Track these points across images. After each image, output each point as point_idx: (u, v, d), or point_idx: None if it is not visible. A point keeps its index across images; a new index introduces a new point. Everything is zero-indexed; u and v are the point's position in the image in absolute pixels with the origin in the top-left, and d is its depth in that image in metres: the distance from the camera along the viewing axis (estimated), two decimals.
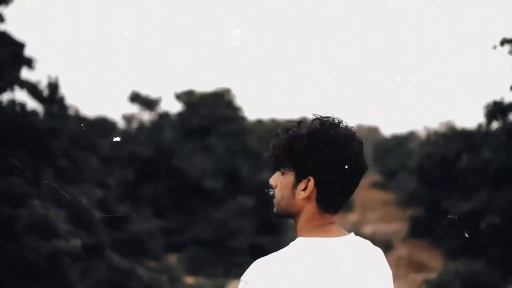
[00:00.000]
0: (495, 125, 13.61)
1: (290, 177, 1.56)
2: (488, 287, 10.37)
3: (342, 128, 1.57)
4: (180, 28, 39.87)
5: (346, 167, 1.55)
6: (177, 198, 18.88)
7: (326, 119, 1.60)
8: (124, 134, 19.67)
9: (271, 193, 1.61)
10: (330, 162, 1.53)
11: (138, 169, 17.85)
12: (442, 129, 20.89)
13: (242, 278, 1.47)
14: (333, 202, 1.59)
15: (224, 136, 20.67)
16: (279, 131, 1.59)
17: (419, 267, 15.81)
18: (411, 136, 30.58)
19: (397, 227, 19.95)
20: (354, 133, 1.59)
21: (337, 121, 1.58)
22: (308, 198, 1.55)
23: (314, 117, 1.61)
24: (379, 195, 24.67)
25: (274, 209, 1.62)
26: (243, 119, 22.61)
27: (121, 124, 20.93)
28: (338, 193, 1.58)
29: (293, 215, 1.59)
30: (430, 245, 16.69)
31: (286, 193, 1.56)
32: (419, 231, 18.31)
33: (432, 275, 13.89)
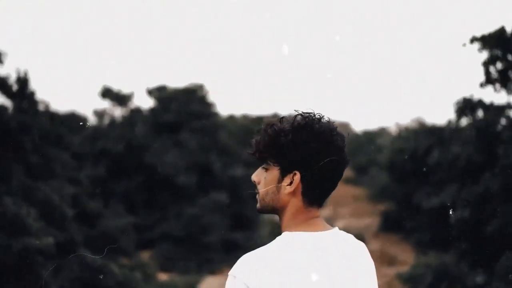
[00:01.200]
0: (464, 121, 13.92)
1: (274, 172, 1.57)
2: (458, 278, 10.61)
3: (325, 122, 1.59)
4: (152, 23, 39.48)
5: (331, 161, 1.57)
6: (149, 194, 18.73)
7: (308, 114, 1.62)
8: (95, 130, 19.39)
9: (256, 191, 1.61)
10: (315, 156, 1.55)
11: (109, 165, 17.64)
12: (412, 125, 21.24)
13: (230, 273, 1.47)
14: (318, 196, 1.61)
15: (196, 132, 20.58)
16: (262, 126, 1.59)
17: (391, 261, 16.07)
18: (382, 132, 30.98)
19: (368, 221, 20.22)
20: (336, 127, 1.61)
21: (318, 116, 1.60)
22: (293, 193, 1.56)
23: (296, 112, 1.63)
24: (351, 190, 24.93)
25: (258, 205, 1.62)
26: (215, 115, 22.55)
27: (92, 119, 20.63)
28: (323, 187, 1.60)
29: (278, 210, 1.60)
30: (401, 239, 16.98)
31: (270, 189, 1.57)
32: (390, 225, 18.60)
33: (404, 269, 14.13)
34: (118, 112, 20.59)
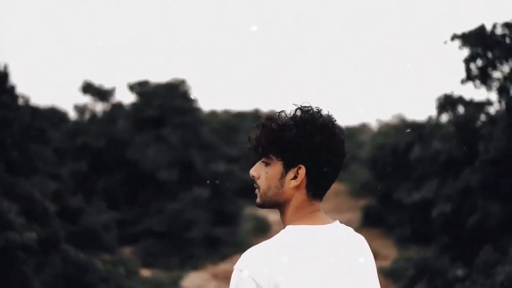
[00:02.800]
0: (444, 117, 14.11)
1: (277, 166, 1.57)
2: (438, 272, 10.76)
3: (326, 116, 1.61)
4: (134, 17, 39.14)
5: (334, 153, 1.59)
6: (131, 190, 18.61)
7: (308, 108, 1.63)
8: (76, 125, 19.19)
9: (255, 186, 1.61)
10: (320, 149, 1.57)
11: (91, 161, 17.48)
12: (393, 121, 21.45)
13: (236, 267, 1.48)
14: (322, 189, 1.63)
15: (178, 127, 20.50)
16: (262, 121, 1.60)
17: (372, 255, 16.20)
18: (363, 128, 31.19)
19: (350, 217, 20.37)
20: (335, 120, 1.63)
21: (317, 109, 1.62)
22: (297, 187, 1.58)
23: (295, 106, 1.64)
24: (332, 186, 25.06)
25: (258, 200, 1.62)
26: (197, 110, 22.48)
27: (72, 114, 20.41)
28: (326, 180, 1.62)
29: (280, 205, 1.61)
30: (382, 234, 17.15)
31: (273, 183, 1.58)
32: (371, 220, 18.77)
33: (386, 263, 14.29)
34: (99, 107, 20.40)
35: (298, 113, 1.61)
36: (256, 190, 1.63)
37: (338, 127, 1.61)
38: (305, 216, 1.60)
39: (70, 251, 9.95)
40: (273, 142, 1.56)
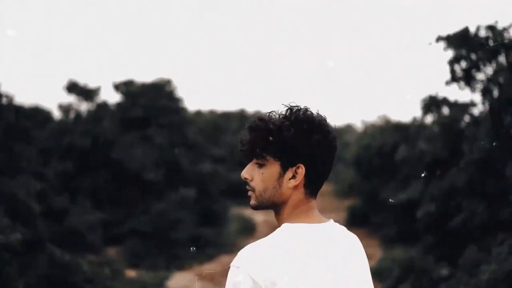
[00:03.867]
0: (429, 118, 14.25)
1: (274, 167, 1.59)
2: (424, 271, 10.85)
3: (318, 114, 1.64)
4: (119, 16, 38.89)
5: (330, 151, 1.62)
6: (117, 190, 18.51)
7: (299, 107, 1.65)
8: (60, 124, 19.02)
9: (248, 188, 1.61)
10: (318, 148, 1.59)
11: (76, 161, 17.35)
12: (378, 122, 21.59)
13: (233, 264, 1.49)
14: (318, 187, 1.66)
15: (164, 127, 20.43)
16: (255, 122, 1.60)
17: None
18: (348, 128, 31.35)
19: (335, 217, 20.42)
20: (326, 118, 1.67)
21: (305, 108, 1.64)
22: (296, 186, 1.59)
23: (285, 106, 1.65)
24: None
25: (253, 202, 1.63)
26: (183, 110, 22.44)
27: (56, 114, 20.22)
28: (323, 178, 1.65)
29: (278, 205, 1.62)
30: (368, 233, 17.25)
31: (270, 184, 1.59)
32: (357, 220, 18.86)
33: (371, 263, 14.37)
34: (84, 106, 20.25)
35: (291, 113, 1.62)
36: (250, 192, 1.64)
37: (330, 125, 1.65)
38: (302, 214, 1.62)
39: (55, 252, 9.86)
40: (271, 143, 1.57)
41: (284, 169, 1.56)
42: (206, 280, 15.68)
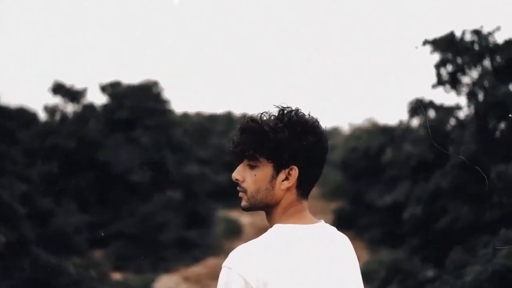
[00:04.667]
0: (415, 121, 14.38)
1: (267, 168, 1.58)
2: (409, 274, 10.92)
3: (310, 116, 1.64)
4: (106, 17, 38.68)
5: (323, 152, 1.62)
6: (102, 192, 18.39)
7: (291, 109, 1.65)
8: (46, 125, 18.86)
9: (239, 189, 1.60)
10: (311, 150, 1.59)
11: (61, 162, 17.20)
12: (365, 125, 21.72)
13: (224, 264, 1.48)
14: (310, 188, 1.66)
15: (150, 129, 20.35)
16: (248, 124, 1.58)
17: None
18: (335, 131, 31.49)
19: (322, 219, 20.51)
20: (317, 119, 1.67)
21: (297, 109, 1.64)
22: (288, 187, 1.59)
23: (277, 108, 1.64)
24: None
25: (245, 203, 1.62)
26: (170, 112, 22.36)
27: (42, 115, 20.04)
28: (315, 179, 1.64)
29: (270, 207, 1.61)
30: (354, 236, 17.31)
31: (263, 185, 1.58)
32: (343, 223, 18.91)
33: None
34: (70, 108, 20.10)
35: (283, 114, 1.62)
36: (241, 194, 1.62)
37: (322, 127, 1.64)
38: (293, 215, 1.62)
39: (40, 254, 9.77)
40: (264, 144, 1.56)
41: (277, 171, 1.55)
42: (192, 282, 15.63)
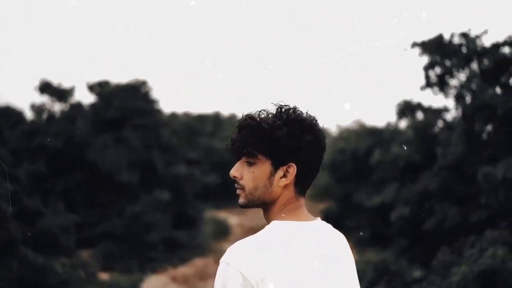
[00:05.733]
0: (403, 123, 14.50)
1: (265, 166, 1.59)
2: (397, 274, 11.01)
3: (308, 114, 1.66)
4: (95, 15, 38.44)
5: (320, 150, 1.64)
6: (90, 192, 18.28)
7: (288, 107, 1.67)
8: (32, 125, 18.69)
9: (237, 186, 1.61)
10: (309, 147, 1.61)
11: (49, 162, 17.08)
12: (353, 126, 21.81)
13: (222, 260, 1.49)
14: (307, 185, 1.68)
15: (139, 129, 20.27)
16: (246, 121, 1.60)
17: None
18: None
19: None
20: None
21: (294, 107, 1.66)
22: (286, 184, 1.60)
23: (275, 105, 1.66)
24: None
25: (243, 200, 1.63)
26: (158, 112, 22.28)
27: (28, 114, 19.85)
28: (313, 177, 1.67)
29: (267, 203, 1.63)
30: None
31: (261, 182, 1.59)
32: (331, 223, 19.00)
33: None
34: (57, 107, 19.95)
35: (281, 112, 1.63)
36: (238, 191, 1.63)
37: (319, 125, 1.66)
38: (291, 212, 1.63)
39: (28, 254, 9.69)
40: (263, 141, 1.57)
41: (276, 168, 1.56)
42: (180, 283, 15.60)
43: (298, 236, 1.58)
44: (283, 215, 1.63)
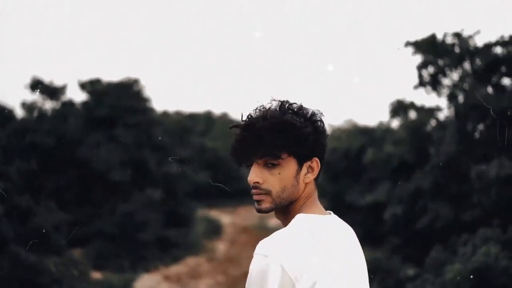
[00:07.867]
0: (395, 122, 14.55)
1: (291, 164, 1.56)
2: (390, 272, 11.05)
3: (310, 109, 1.67)
4: (86, 13, 38.25)
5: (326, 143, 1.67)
6: (82, 190, 18.19)
7: (286, 101, 1.66)
8: (23, 123, 18.57)
9: (253, 192, 1.55)
10: (325, 141, 1.64)
11: (40, 160, 16.97)
12: (345, 126, 21.85)
13: (259, 252, 1.45)
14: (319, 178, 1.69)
15: (131, 127, 20.19)
16: (265, 122, 1.55)
17: None
18: None
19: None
20: None
21: (300, 104, 1.67)
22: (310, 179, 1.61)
23: (277, 101, 1.64)
24: None
25: (269, 205, 1.56)
26: (151, 110, 22.21)
27: (19, 112, 19.71)
28: (323, 167, 1.68)
29: (293, 202, 1.60)
30: None
31: (289, 182, 1.56)
32: None
33: None
34: (48, 105, 19.82)
35: (288, 107, 1.62)
36: (261, 196, 1.56)
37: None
38: (312, 205, 1.63)
39: (19, 253, 9.62)
40: (292, 141, 1.54)
41: (300, 165, 1.55)
42: (172, 281, 15.56)
43: (326, 230, 1.58)
44: (306, 208, 1.62)
